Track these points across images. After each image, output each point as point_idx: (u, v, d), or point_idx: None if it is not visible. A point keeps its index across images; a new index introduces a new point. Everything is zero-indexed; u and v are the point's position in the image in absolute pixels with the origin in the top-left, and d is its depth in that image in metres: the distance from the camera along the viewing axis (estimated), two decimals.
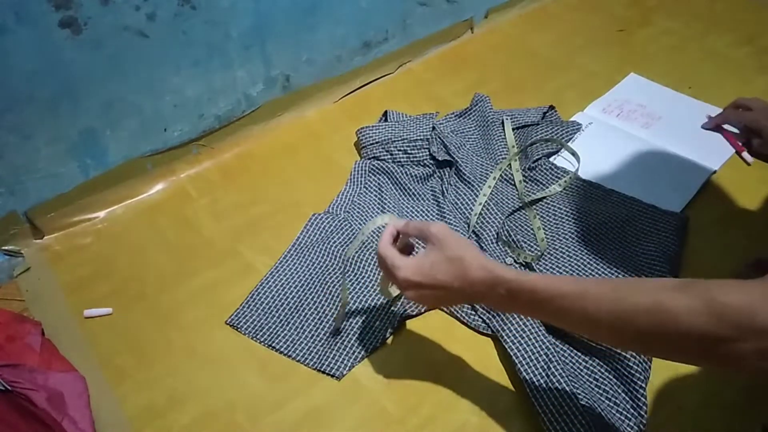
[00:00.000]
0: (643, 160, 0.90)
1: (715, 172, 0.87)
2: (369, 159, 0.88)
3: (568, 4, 1.26)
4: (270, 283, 0.73)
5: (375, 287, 0.73)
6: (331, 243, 0.77)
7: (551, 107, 0.98)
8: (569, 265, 0.75)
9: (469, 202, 0.81)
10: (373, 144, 0.89)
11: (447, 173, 0.86)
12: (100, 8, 0.69)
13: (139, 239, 0.80)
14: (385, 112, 0.95)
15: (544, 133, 0.92)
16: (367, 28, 1.00)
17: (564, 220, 0.81)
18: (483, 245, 0.77)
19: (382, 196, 0.83)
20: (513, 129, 0.93)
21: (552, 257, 0.76)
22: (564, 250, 0.77)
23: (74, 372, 0.64)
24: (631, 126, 0.97)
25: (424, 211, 0.82)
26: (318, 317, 0.70)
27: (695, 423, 0.61)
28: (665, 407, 0.62)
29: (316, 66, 0.97)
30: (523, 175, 0.86)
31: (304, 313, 0.70)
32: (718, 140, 0.93)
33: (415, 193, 0.84)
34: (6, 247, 0.77)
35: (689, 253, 0.77)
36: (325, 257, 0.76)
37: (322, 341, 0.68)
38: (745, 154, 0.89)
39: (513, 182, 0.86)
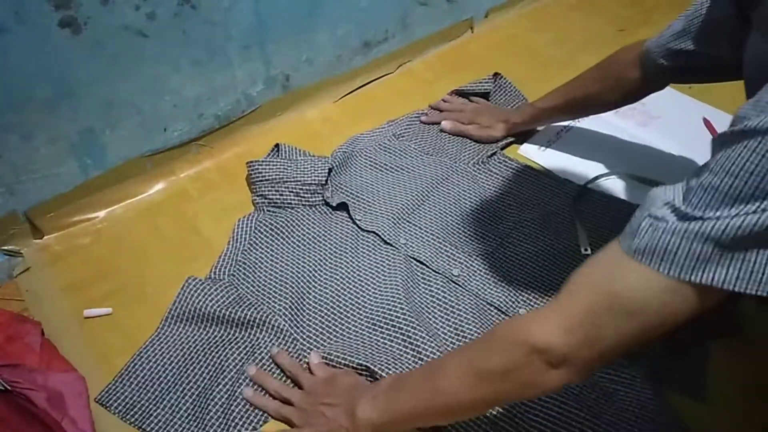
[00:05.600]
0: (626, 156, 0.90)
1: None
2: (257, 197, 0.83)
3: (568, 4, 1.26)
4: (147, 356, 0.66)
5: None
6: (208, 312, 0.69)
7: (496, 74, 1.01)
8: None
9: (356, 249, 0.77)
10: (262, 181, 0.82)
11: (340, 218, 0.81)
12: (99, 8, 0.69)
13: (139, 239, 0.80)
14: (277, 145, 0.88)
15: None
16: (367, 28, 1.00)
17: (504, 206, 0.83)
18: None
19: (272, 254, 0.76)
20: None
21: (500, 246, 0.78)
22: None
23: (74, 372, 0.64)
24: (627, 123, 0.97)
25: (320, 267, 0.75)
26: (196, 397, 0.63)
27: (695, 423, 0.61)
28: None
29: (316, 66, 0.97)
30: (476, 168, 0.88)
31: (181, 392, 0.64)
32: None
33: (311, 245, 0.77)
34: (6, 247, 0.76)
35: None
36: (202, 330, 0.69)
37: (198, 425, 0.61)
38: None
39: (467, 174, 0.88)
